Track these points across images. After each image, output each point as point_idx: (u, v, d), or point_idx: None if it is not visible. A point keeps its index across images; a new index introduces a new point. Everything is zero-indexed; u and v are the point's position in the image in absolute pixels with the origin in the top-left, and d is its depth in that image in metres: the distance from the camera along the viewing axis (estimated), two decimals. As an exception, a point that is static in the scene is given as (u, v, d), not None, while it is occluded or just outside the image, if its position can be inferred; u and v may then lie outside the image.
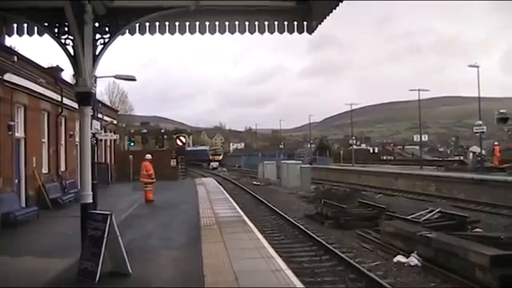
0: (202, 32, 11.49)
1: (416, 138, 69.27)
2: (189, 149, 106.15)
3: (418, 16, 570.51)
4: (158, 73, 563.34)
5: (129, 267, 9.78)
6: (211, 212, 20.04)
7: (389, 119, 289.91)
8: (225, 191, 31.59)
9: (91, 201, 10.54)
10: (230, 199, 25.90)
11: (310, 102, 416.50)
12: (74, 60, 10.35)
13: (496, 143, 48.87)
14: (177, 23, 11.50)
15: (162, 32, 11.51)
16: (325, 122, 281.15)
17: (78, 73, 10.40)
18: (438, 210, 22.39)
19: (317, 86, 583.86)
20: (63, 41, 10.51)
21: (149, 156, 25.56)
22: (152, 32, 11.49)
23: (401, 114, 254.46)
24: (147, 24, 11.41)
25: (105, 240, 9.36)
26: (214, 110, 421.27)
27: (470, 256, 13.25)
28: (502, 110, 39.95)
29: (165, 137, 67.81)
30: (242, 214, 19.88)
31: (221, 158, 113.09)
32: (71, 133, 27.76)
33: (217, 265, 10.54)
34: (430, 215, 21.64)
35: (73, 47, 10.38)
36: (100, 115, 30.66)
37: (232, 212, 20.36)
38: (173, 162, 44.10)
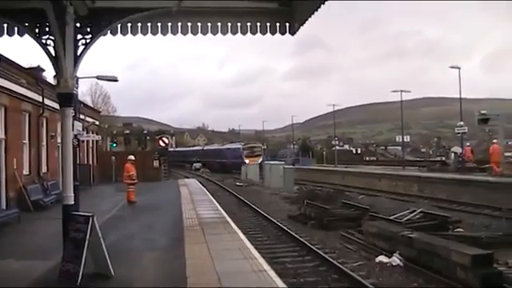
0: (184, 33, 11.44)
1: (398, 138, 69.54)
2: (212, 148, 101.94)
3: (401, 19, 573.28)
4: (144, 74, 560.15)
5: (111, 269, 9.73)
6: (194, 213, 20.00)
7: (371, 120, 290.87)
8: (208, 192, 31.54)
9: (73, 202, 10.45)
10: (213, 200, 25.86)
11: (293, 104, 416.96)
12: (55, 60, 10.27)
13: (468, 144, 49.36)
14: (159, 24, 11.44)
15: (145, 33, 11.45)
16: (308, 123, 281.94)
17: (59, 73, 10.32)
18: (420, 211, 22.54)
19: (301, 87, 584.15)
20: (44, 41, 10.43)
21: (131, 157, 25.48)
22: (134, 33, 11.42)
23: (383, 115, 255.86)
24: (129, 25, 11.33)
25: (87, 242, 9.30)
26: (198, 111, 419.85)
27: (451, 256, 13.36)
28: (482, 111, 40.21)
29: (148, 138, 67.38)
30: (224, 214, 19.84)
31: (260, 160, 73.74)
32: (53, 134, 27.57)
33: (200, 266, 10.52)
34: (412, 215, 21.78)
35: (54, 48, 10.30)
36: (82, 116, 30.51)
37: (215, 213, 20.32)
38: (155, 163, 44.00)
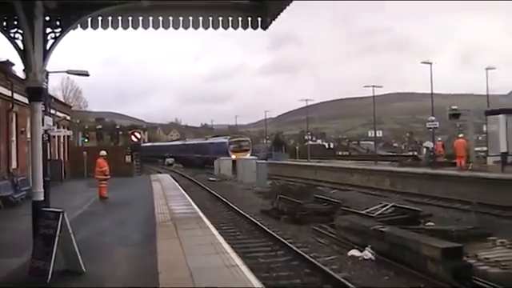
0: (156, 27, 11.37)
1: (371, 133, 70.12)
2: (195, 142, 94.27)
3: (374, 15, 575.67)
4: (117, 69, 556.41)
5: (82, 265, 9.64)
6: (166, 208, 19.91)
7: (344, 115, 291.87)
8: (180, 187, 31.44)
9: (43, 198, 10.35)
10: (186, 195, 25.78)
11: (267, 99, 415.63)
12: (24, 54, 10.13)
13: (439, 139, 49.94)
14: (130, 18, 11.35)
15: (115, 27, 11.36)
16: (281, 118, 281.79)
17: (28, 67, 10.18)
18: (391, 205, 22.73)
19: (274, 82, 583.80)
20: (12, 35, 10.27)
21: (103, 152, 25.26)
22: (104, 27, 11.33)
23: (356, 110, 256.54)
24: (100, 18, 11.23)
25: (57, 238, 9.19)
26: (172, 107, 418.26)
27: (422, 249, 13.50)
28: (453, 107, 40.63)
29: (120, 133, 67.00)
30: (197, 210, 19.79)
31: (249, 155, 68.86)
32: (22, 129, 27.26)
33: (172, 261, 10.47)
34: (383, 210, 21.95)
35: (22, 41, 10.14)
36: (52, 111, 30.16)
37: (187, 208, 20.25)
38: (128, 159, 43.73)
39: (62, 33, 10.58)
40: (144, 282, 9.16)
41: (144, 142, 73.14)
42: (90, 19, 11.15)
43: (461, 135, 40.17)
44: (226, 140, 75.65)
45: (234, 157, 63.95)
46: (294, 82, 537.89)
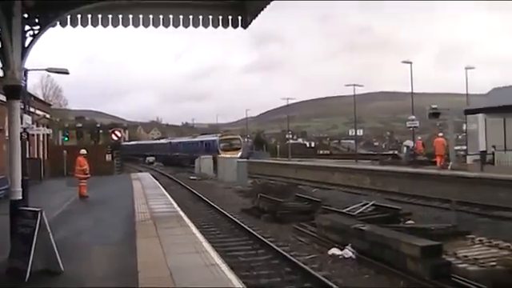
0: (136, 25, 11.32)
1: (351, 132, 70.43)
2: (182, 140, 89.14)
3: (355, 14, 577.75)
4: (98, 68, 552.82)
5: (61, 265, 9.57)
6: (146, 207, 19.84)
7: (325, 114, 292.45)
8: (161, 186, 31.38)
9: (21, 197, 10.27)
10: (166, 194, 25.74)
11: (248, 97, 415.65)
12: (2, 52, 10.03)
13: (419, 138, 50.39)
14: (110, 16, 11.28)
15: (95, 25, 11.27)
16: (262, 117, 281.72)
17: (5, 65, 10.08)
18: (372, 204, 22.81)
19: (256, 81, 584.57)
20: (-11, 32, 10.17)
21: (83, 151, 25.12)
22: (84, 24, 11.24)
23: (337, 109, 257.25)
24: (79, 16, 11.14)
25: (35, 237, 9.13)
26: (153, 105, 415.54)
27: (402, 247, 13.55)
28: (433, 106, 40.91)
29: (100, 131, 66.52)
30: (177, 209, 19.76)
31: (239, 154, 64.01)
32: (0, 128, 26.96)
33: (151, 260, 10.43)
34: (364, 208, 22.02)
35: (0, 39, 10.04)
36: (32, 109, 29.93)
37: (168, 207, 20.20)
38: (108, 157, 43.53)
39: (41, 30, 10.50)
40: (123, 281, 9.13)
41: (125, 141, 72.44)
42: (69, 17, 11.06)
43: (440, 134, 40.48)
44: (215, 138, 71.73)
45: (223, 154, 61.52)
46: (276, 81, 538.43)
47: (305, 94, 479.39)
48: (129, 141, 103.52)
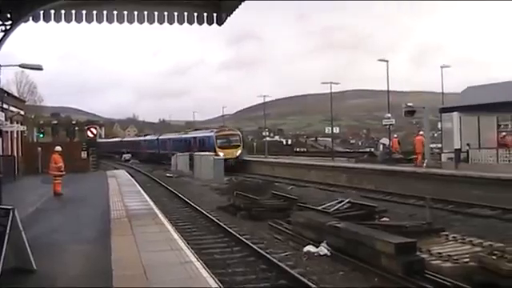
0: (110, 21, 11.29)
1: (328, 130, 70.58)
2: (172, 137, 79.49)
3: (332, 13, 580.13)
4: (76, 64, 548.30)
5: (33, 263, 9.46)
6: (122, 205, 19.72)
7: (302, 111, 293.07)
8: (137, 184, 31.21)
9: (-7, 195, 10.15)
10: (142, 192, 25.61)
11: (225, 95, 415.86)
12: (-27, 48, 9.92)
13: (395, 136, 50.72)
14: (84, 12, 11.22)
15: (68, 20, 11.22)
16: (238, 114, 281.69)
17: (-23, 61, 9.97)
18: (347, 201, 22.94)
19: (233, 79, 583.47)
20: (-40, 27, 10.04)
21: (58, 148, 24.89)
22: (57, 20, 11.17)
23: (314, 107, 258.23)
24: (52, 12, 11.05)
25: (7, 236, 9.01)
26: (129, 102, 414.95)
27: (376, 245, 13.64)
28: (409, 104, 41.20)
29: (76, 128, 66.00)
30: (153, 206, 19.70)
31: (239, 152, 60.13)
32: (-27, 124, 26.63)
33: (126, 258, 10.38)
34: (339, 206, 22.15)
35: (-29, 34, 9.93)
36: (5, 106, 29.59)
37: (143, 205, 20.12)
38: (83, 154, 43.19)
39: (13, 26, 10.39)
40: (97, 280, 9.06)
41: (101, 138, 71.68)
42: (42, 12, 10.95)
43: (421, 132, 40.73)
44: (211, 134, 62.80)
45: (222, 154, 53.96)
46: (253, 79, 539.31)
47: (281, 91, 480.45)
48: (112, 138, 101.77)
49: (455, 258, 13.48)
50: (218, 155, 52.50)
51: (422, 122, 45.19)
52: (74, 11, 11.05)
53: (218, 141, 59.96)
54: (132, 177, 38.23)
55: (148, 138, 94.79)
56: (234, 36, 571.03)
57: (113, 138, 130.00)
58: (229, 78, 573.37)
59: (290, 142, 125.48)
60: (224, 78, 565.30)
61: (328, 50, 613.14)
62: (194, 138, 67.88)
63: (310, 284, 12.10)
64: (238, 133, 65.99)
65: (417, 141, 38.38)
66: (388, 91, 48.52)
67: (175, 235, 13.14)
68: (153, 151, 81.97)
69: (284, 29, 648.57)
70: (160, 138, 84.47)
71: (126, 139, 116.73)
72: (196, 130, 78.10)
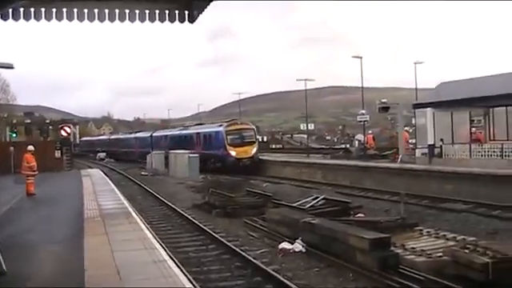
0: (81, 19, 11.10)
1: (303, 126, 70.88)
2: (170, 133, 68.60)
3: (311, 10, 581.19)
4: (50, 62, 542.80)
5: (3, 265, 9.33)
6: (96, 204, 19.58)
7: (278, 108, 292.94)
8: (111, 182, 31.03)
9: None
10: (116, 191, 25.47)
11: (202, 92, 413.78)
12: None
13: (370, 132, 51.10)
14: (54, 10, 11.04)
15: (38, 18, 11.01)
16: (215, 112, 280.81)
17: None
18: (322, 197, 23.01)
19: (210, 76, 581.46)
20: None
21: (31, 147, 24.60)
22: (27, 18, 10.97)
23: (290, 104, 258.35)
24: (21, 9, 10.88)
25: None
26: (104, 101, 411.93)
27: (351, 240, 13.72)
28: (383, 100, 41.48)
29: (50, 127, 65.36)
30: (127, 205, 19.63)
31: (255, 150, 49.61)
32: None
33: (99, 258, 10.32)
34: (314, 202, 22.18)
35: None
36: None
37: (117, 204, 20.00)
38: (57, 154, 42.80)
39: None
40: (69, 280, 8.98)
41: (75, 137, 70.25)
42: (11, 10, 10.78)
43: (406, 128, 41.00)
44: (220, 128, 51.06)
45: (234, 153, 47.37)
46: (230, 76, 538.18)
47: (258, 88, 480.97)
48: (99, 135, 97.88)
49: (429, 252, 13.58)
50: (229, 155, 47.16)
51: (396, 118, 45.51)
52: (43, 9, 10.88)
53: (229, 137, 48.99)
54: (106, 175, 37.98)
55: (139, 135, 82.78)
56: (210, 33, 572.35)
57: (99, 135, 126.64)
58: (205, 75, 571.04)
59: (265, 138, 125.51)
60: (200, 76, 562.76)
61: (304, 47, 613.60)
62: (198, 133, 56.69)
63: (284, 281, 12.12)
64: (253, 126, 54.30)
65: (402, 135, 38.64)
66: (362, 87, 48.86)
67: (149, 234, 13.10)
68: (143, 150, 68.24)
69: (260, 26, 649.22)
70: (154, 134, 74.49)
71: (112, 137, 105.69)
72: (198, 124, 66.68)
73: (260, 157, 50.57)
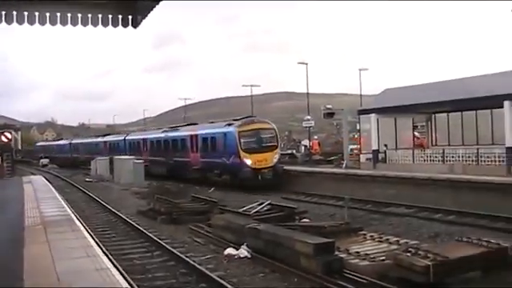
0: (20, 22, 10.88)
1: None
2: (166, 135, 50.80)
3: (258, 16, 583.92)
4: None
5: None
6: (37, 211, 19.10)
7: (225, 114, 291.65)
8: (54, 189, 30.39)
9: None
10: (59, 197, 24.93)
11: (148, 98, 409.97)
12: None
13: (315, 137, 51.64)
14: (3, 12, 10.78)
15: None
16: (161, 117, 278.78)
17: None
18: (268, 203, 23.10)
19: (156, 81, 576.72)
20: None
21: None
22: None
23: (237, 109, 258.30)
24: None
25: None
26: (48, 105, 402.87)
27: (295, 245, 13.80)
28: (328, 106, 42.07)
29: (-10, 133, 63.81)
30: (69, 212, 19.23)
31: (277, 156, 37.36)
32: None
33: (39, 266, 10.05)
34: (260, 208, 22.29)
35: None
36: None
37: (60, 211, 19.53)
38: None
39: None
40: (7, 290, 8.75)
41: (16, 143, 67.45)
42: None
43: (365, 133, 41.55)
44: (231, 129, 37.66)
45: (249, 162, 35.54)
46: (176, 81, 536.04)
47: (205, 94, 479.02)
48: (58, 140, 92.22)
49: (372, 256, 13.80)
50: (243, 164, 35.55)
51: (341, 123, 46.08)
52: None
53: (243, 140, 36.53)
54: (49, 182, 37.26)
55: (109, 138, 70.18)
56: (157, 39, 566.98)
57: (59, 139, 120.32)
58: (151, 80, 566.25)
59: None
60: (146, 81, 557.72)
61: (253, 53, 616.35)
62: (195, 136, 43.25)
63: (229, 286, 12.08)
64: (273, 126, 39.66)
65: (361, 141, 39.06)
66: (308, 93, 49.42)
67: (92, 242, 12.89)
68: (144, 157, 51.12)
69: (208, 31, 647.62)
70: (128, 138, 62.27)
71: (75, 141, 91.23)
72: (192, 124, 51.45)
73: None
